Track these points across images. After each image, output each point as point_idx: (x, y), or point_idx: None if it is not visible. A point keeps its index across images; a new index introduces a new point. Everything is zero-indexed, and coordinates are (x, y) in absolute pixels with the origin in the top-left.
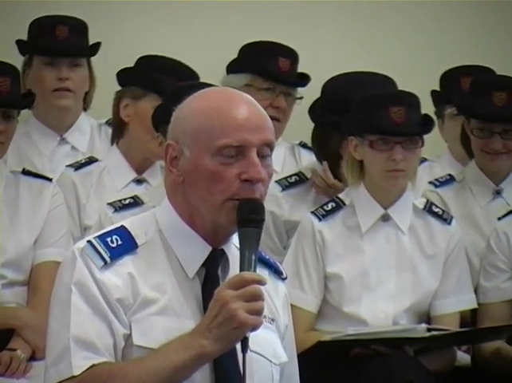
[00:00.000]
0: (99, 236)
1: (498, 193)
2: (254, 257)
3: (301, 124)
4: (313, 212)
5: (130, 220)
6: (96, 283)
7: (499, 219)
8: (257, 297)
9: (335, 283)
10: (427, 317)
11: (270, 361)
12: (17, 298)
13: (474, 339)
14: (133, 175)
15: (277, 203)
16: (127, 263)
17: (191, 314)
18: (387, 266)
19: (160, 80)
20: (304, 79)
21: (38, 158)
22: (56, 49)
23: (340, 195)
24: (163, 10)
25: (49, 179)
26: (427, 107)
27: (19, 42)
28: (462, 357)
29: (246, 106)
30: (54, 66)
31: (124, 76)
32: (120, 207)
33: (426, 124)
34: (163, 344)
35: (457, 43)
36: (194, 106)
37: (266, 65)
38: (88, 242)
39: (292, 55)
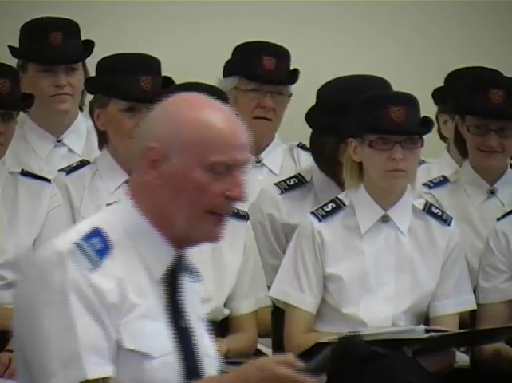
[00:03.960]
0: (84, 238)
1: (492, 193)
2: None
3: (301, 125)
4: (312, 213)
5: (96, 220)
6: (91, 287)
7: (498, 219)
8: None
9: (334, 284)
10: (425, 319)
11: (215, 360)
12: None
13: (473, 340)
14: (125, 176)
15: (276, 206)
16: (110, 266)
17: (162, 317)
18: (386, 267)
19: (119, 83)
20: (292, 76)
21: (35, 161)
22: (52, 57)
23: (340, 196)
24: (160, 11)
25: (48, 180)
26: (427, 108)
27: (11, 48)
28: (461, 357)
29: (234, 122)
30: (51, 73)
31: (88, 85)
32: None
33: (425, 124)
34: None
35: (458, 44)
36: (184, 115)
37: (251, 66)
38: (76, 244)
39: (278, 53)
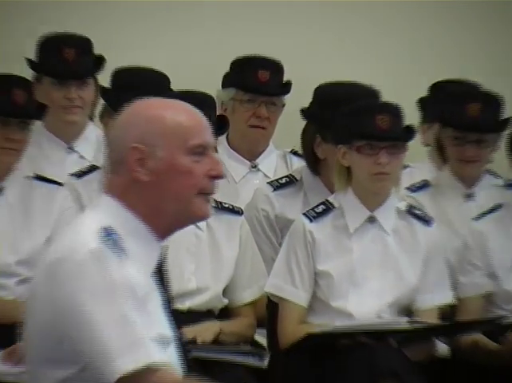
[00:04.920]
0: (106, 237)
1: (469, 196)
2: None
3: (293, 133)
4: (304, 214)
5: (97, 221)
6: (125, 279)
7: (475, 219)
8: None
9: (324, 280)
10: (408, 311)
11: None
12: None
13: (452, 332)
14: None
15: (269, 202)
16: (128, 261)
17: (163, 308)
18: (372, 264)
19: (122, 101)
20: (284, 87)
21: (48, 166)
22: (65, 72)
23: (330, 199)
24: (163, 25)
25: (60, 184)
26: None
27: (29, 60)
28: (442, 348)
29: (196, 111)
30: (63, 86)
31: (105, 96)
32: None
33: (409, 131)
34: None
35: (457, 46)
36: (155, 113)
37: (246, 79)
38: (104, 242)
39: (272, 66)
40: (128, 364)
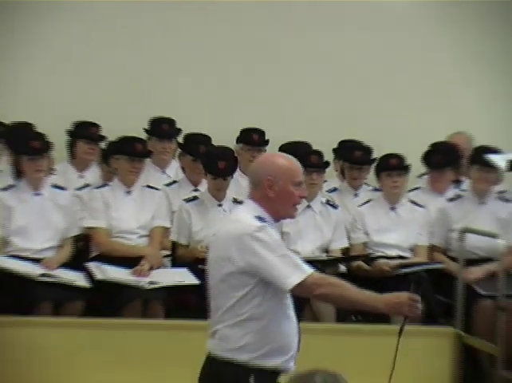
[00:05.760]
0: (262, 219)
1: (355, 195)
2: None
3: None
4: None
5: (250, 213)
6: (277, 238)
7: (358, 206)
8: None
9: (286, 235)
10: (326, 251)
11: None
12: (144, 242)
13: (347, 260)
14: (192, 187)
15: None
16: (275, 230)
17: None
18: (309, 228)
19: (191, 148)
20: (266, 142)
21: (152, 180)
22: (163, 135)
23: None
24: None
25: (158, 189)
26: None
27: (145, 129)
28: (342, 268)
29: (296, 160)
30: (161, 142)
31: (178, 145)
32: (188, 200)
33: (326, 163)
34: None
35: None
36: (277, 159)
37: (248, 139)
38: (263, 222)
39: (259, 132)
40: (296, 278)
